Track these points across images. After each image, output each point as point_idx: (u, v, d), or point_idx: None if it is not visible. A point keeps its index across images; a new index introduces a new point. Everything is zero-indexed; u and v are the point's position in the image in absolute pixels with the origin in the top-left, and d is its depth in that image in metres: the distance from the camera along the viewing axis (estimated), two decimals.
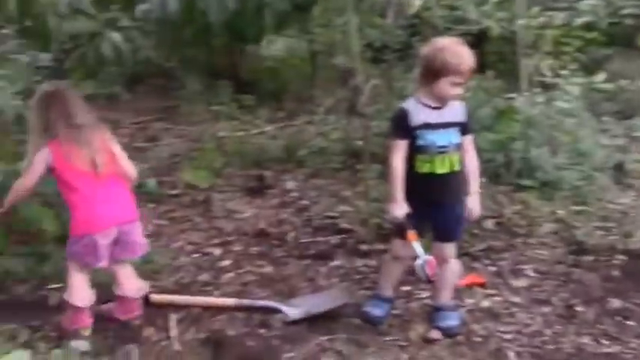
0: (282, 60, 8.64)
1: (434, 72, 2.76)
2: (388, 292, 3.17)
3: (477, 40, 5.60)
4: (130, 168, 2.98)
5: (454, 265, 3.12)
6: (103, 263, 2.85)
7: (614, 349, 2.90)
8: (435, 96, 2.83)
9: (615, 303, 3.24)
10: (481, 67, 5.40)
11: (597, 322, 3.09)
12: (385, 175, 4.39)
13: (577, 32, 7.43)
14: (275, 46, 8.64)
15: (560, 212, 4.35)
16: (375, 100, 6.16)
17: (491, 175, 4.72)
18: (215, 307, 3.19)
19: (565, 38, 6.35)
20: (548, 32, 5.52)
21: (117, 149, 2.93)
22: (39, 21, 3.56)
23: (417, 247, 2.82)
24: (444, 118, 2.86)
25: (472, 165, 2.97)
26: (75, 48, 4.11)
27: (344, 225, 4.20)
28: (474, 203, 2.95)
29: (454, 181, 2.93)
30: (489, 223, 4.18)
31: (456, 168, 2.90)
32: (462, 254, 3.73)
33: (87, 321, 2.89)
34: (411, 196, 2.99)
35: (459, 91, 2.79)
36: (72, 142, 2.79)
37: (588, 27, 6.58)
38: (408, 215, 2.91)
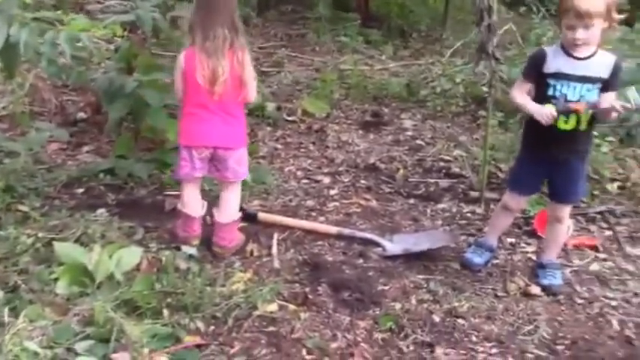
0: None
1: (559, 13, 2.59)
2: (492, 241, 3.11)
3: None
4: (252, 92, 2.92)
5: (565, 225, 2.99)
6: (198, 175, 2.95)
7: None
8: (564, 40, 2.66)
9: None
10: (628, 21, 5.00)
11: None
12: (503, 123, 4.27)
13: None
14: None
15: None
16: (506, 47, 5.91)
17: (623, 136, 4.43)
18: (317, 233, 3.26)
19: None
20: None
21: (247, 72, 2.85)
22: None
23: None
24: (583, 70, 2.65)
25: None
26: None
27: (456, 169, 4.12)
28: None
29: (578, 139, 2.75)
30: (613, 186, 3.95)
31: (582, 127, 2.70)
32: (577, 214, 3.59)
33: (196, 230, 3.04)
34: (529, 148, 2.88)
35: (576, 35, 2.57)
36: (202, 53, 2.78)
37: None
38: (524, 171, 2.80)
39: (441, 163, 4.21)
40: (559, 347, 2.54)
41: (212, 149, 2.90)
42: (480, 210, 3.62)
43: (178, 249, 2.94)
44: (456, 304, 2.76)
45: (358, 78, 5.71)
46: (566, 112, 2.66)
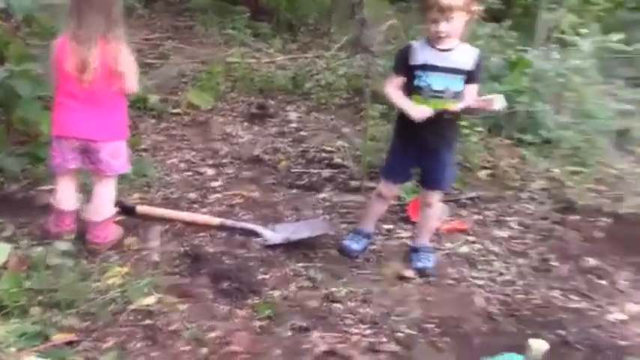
0: None
1: (423, 9, 2.74)
2: (368, 228, 3.22)
3: None
4: (132, 84, 2.84)
5: (437, 210, 3.15)
6: (71, 166, 2.87)
7: (582, 305, 2.94)
8: (429, 34, 2.81)
9: (591, 262, 3.27)
10: (500, 16, 5.33)
11: (570, 279, 3.14)
12: (386, 114, 4.41)
13: None
14: None
15: (556, 170, 4.34)
16: (390, 41, 6.10)
17: (493, 127, 4.71)
18: (198, 224, 3.25)
19: None
20: None
21: (124, 63, 2.77)
22: None
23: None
24: (447, 62, 2.80)
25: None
26: None
27: (338, 160, 4.23)
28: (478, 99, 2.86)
29: (445, 128, 2.90)
30: (483, 174, 4.20)
31: (448, 115, 2.86)
32: (450, 200, 3.79)
33: (70, 225, 2.95)
34: (400, 138, 3.01)
35: (439, 27, 2.72)
36: (73, 41, 2.71)
37: None
38: (396, 160, 2.93)
39: (324, 154, 4.31)
40: (428, 326, 2.67)
41: (83, 141, 2.82)
42: (360, 199, 3.73)
43: (51, 245, 2.84)
44: (334, 289, 2.84)
45: (245, 71, 5.71)
46: (440, 112, 2.80)
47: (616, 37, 4.55)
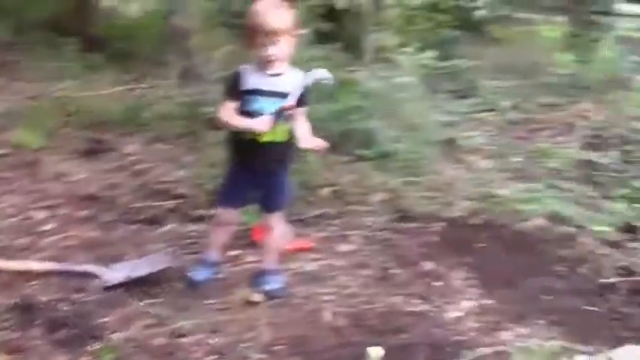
0: (137, 19, 8.32)
1: (248, 32, 2.78)
2: (213, 257, 3.18)
3: (330, 13, 5.70)
4: None
5: (280, 232, 3.18)
6: None
7: (422, 307, 3.10)
8: (257, 58, 2.85)
9: (427, 266, 3.47)
10: (330, 38, 5.55)
11: (409, 284, 3.30)
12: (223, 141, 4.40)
13: (429, 14, 7.79)
14: (131, 5, 8.31)
15: (392, 182, 4.56)
16: (228, 67, 6.13)
17: (331, 145, 4.85)
18: (29, 272, 3.04)
19: (415, 17, 6.65)
20: (396, 10, 5.74)
21: None
22: None
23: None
24: (277, 86, 2.84)
25: (304, 129, 2.97)
26: None
27: (180, 190, 4.15)
28: (311, 140, 2.90)
29: (279, 150, 2.94)
30: (325, 192, 4.32)
31: (281, 138, 2.89)
32: (294, 220, 3.84)
33: None
34: (233, 162, 3.02)
35: (267, 52, 2.76)
36: None
37: (438, 9, 6.94)
38: (231, 185, 2.95)
39: (165, 186, 4.21)
40: (278, 348, 2.69)
41: None
42: (204, 228, 3.68)
43: None
44: (181, 323, 2.77)
45: (77, 105, 5.46)
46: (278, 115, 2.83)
47: (429, 54, 4.90)
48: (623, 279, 3.49)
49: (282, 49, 2.80)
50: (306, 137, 2.88)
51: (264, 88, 2.84)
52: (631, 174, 5.18)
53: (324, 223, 3.93)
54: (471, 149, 5.54)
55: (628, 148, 5.77)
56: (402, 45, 5.44)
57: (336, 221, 3.98)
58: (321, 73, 2.92)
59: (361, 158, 4.80)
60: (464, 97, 6.54)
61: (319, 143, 2.89)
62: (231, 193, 3.04)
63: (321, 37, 5.47)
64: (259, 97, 2.84)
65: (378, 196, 4.35)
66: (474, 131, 5.89)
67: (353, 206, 4.19)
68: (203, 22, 4.91)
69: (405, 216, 4.07)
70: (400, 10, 5.50)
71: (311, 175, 4.31)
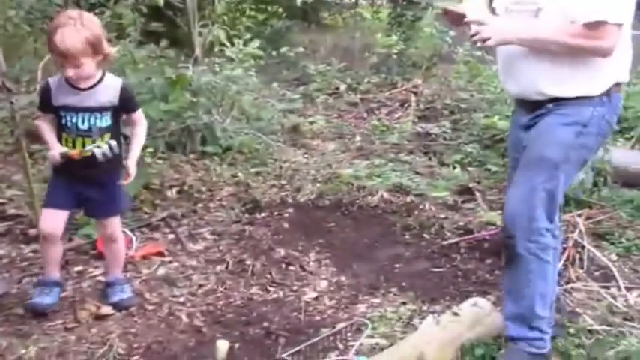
0: None
1: (50, 50, 2.62)
2: (54, 275, 2.96)
3: (157, 11, 5.53)
4: None
5: (120, 239, 3.04)
6: None
7: (279, 294, 3.12)
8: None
9: (280, 252, 3.49)
10: (160, 37, 5.39)
11: (264, 273, 3.30)
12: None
13: (257, 5, 7.82)
14: None
15: (240, 175, 4.55)
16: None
17: (174, 144, 4.75)
18: None
19: (243, 10, 6.64)
20: (222, 4, 5.69)
21: None
22: None
23: None
24: (89, 102, 2.69)
25: (136, 137, 2.87)
26: None
27: (12, 211, 3.85)
28: (130, 165, 2.82)
29: (100, 163, 2.74)
30: (171, 192, 4.21)
31: (105, 148, 2.72)
32: (141, 226, 3.72)
33: None
34: (59, 173, 2.82)
35: (68, 73, 2.58)
36: None
37: (262, 0, 6.99)
38: (58, 195, 2.80)
39: None
40: (134, 357, 2.58)
41: None
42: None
43: None
44: (23, 351, 2.57)
45: None
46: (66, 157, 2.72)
47: (256, 44, 4.93)
48: (462, 238, 3.72)
49: (84, 69, 2.61)
50: (132, 161, 2.82)
51: (76, 104, 2.68)
52: (462, 140, 5.56)
53: (172, 224, 3.82)
54: (314, 134, 5.67)
55: (457, 117, 6.20)
56: (232, 38, 5.41)
57: (186, 221, 3.90)
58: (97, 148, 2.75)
59: (205, 155, 4.74)
60: (302, 84, 6.67)
61: (131, 173, 2.82)
62: (57, 196, 2.82)
63: (151, 36, 5.31)
64: (72, 113, 2.70)
65: (227, 190, 4.33)
66: (315, 116, 6.03)
67: (202, 203, 4.13)
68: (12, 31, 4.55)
69: (255, 207, 4.08)
70: (226, 4, 5.44)
71: (155, 177, 4.19)
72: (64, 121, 2.70)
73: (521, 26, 2.39)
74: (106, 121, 2.74)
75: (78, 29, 2.55)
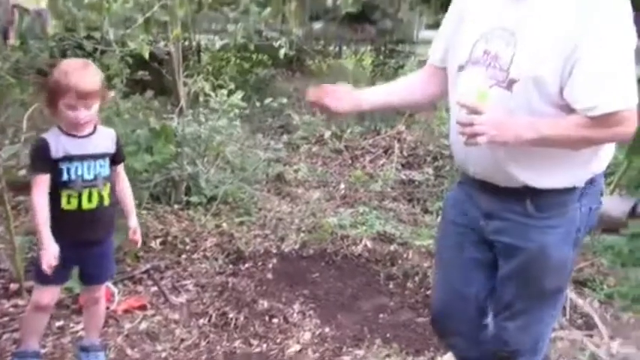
0: None
1: (51, 94, 2.60)
2: (34, 346, 2.84)
3: (139, 62, 5.59)
4: None
5: (102, 302, 2.95)
6: None
7: (262, 347, 3.10)
8: (64, 122, 2.66)
9: (264, 304, 3.48)
10: (145, 87, 5.45)
11: (248, 325, 3.28)
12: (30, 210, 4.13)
13: (241, 55, 7.93)
14: None
15: (225, 225, 4.55)
16: (38, 128, 5.78)
17: (158, 195, 4.75)
18: None
19: (228, 60, 6.73)
20: (207, 54, 5.78)
21: None
22: None
23: None
24: (92, 148, 2.66)
25: (126, 191, 2.85)
26: None
27: None
28: (134, 224, 2.84)
29: (105, 216, 2.73)
30: (155, 244, 4.19)
31: (106, 202, 2.70)
32: (124, 279, 3.70)
33: None
34: (57, 237, 2.62)
35: (80, 115, 2.57)
36: None
37: (248, 49, 7.08)
38: (60, 270, 2.64)
39: None
40: None
41: None
42: (22, 302, 3.40)
43: None
44: None
45: None
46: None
47: (239, 94, 5.00)
48: None
49: (92, 112, 2.61)
50: (135, 221, 2.85)
51: (80, 152, 2.63)
52: (445, 187, 5.61)
53: (155, 276, 3.79)
54: (298, 182, 5.70)
55: (439, 163, 6.27)
56: (217, 88, 5.47)
57: (169, 272, 3.87)
58: None
59: (189, 205, 4.74)
60: (286, 132, 6.73)
61: (136, 238, 2.86)
62: (55, 271, 2.63)
63: (137, 85, 5.36)
64: (76, 163, 2.62)
65: (211, 241, 4.31)
66: (300, 164, 6.07)
67: (185, 255, 4.11)
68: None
69: (239, 257, 4.07)
70: (210, 54, 5.52)
71: (141, 227, 4.16)
72: (65, 176, 2.60)
73: (528, 121, 1.88)
74: (106, 169, 2.70)
75: (92, 71, 2.62)
